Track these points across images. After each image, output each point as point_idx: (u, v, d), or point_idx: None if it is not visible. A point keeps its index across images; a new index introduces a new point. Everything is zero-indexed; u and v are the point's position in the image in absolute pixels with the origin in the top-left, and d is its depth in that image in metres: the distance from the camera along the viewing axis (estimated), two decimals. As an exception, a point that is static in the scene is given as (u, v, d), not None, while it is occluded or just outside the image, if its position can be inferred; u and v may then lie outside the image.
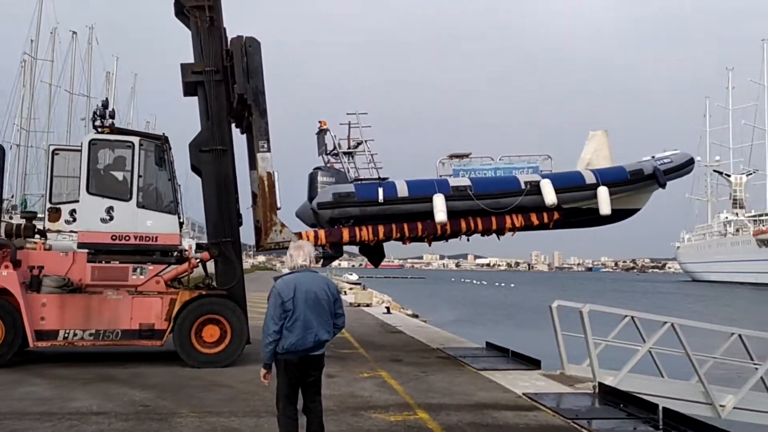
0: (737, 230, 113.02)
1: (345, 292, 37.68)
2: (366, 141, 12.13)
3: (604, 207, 11.77)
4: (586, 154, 12.99)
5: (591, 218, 12.32)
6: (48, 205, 10.90)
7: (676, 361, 10.81)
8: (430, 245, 12.06)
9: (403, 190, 11.39)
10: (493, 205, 11.57)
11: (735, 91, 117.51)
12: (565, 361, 10.34)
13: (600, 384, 8.99)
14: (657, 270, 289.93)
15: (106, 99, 11.33)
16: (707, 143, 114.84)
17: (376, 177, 11.89)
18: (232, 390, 8.67)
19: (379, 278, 70.17)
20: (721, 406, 9.65)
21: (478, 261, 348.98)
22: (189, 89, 11.28)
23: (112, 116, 11.06)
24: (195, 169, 11.04)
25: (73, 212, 10.64)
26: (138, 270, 10.49)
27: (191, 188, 11.80)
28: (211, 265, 10.97)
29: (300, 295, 5.16)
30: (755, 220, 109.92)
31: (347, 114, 12.24)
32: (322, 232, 11.35)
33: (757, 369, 10.15)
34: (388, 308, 24.25)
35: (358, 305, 26.30)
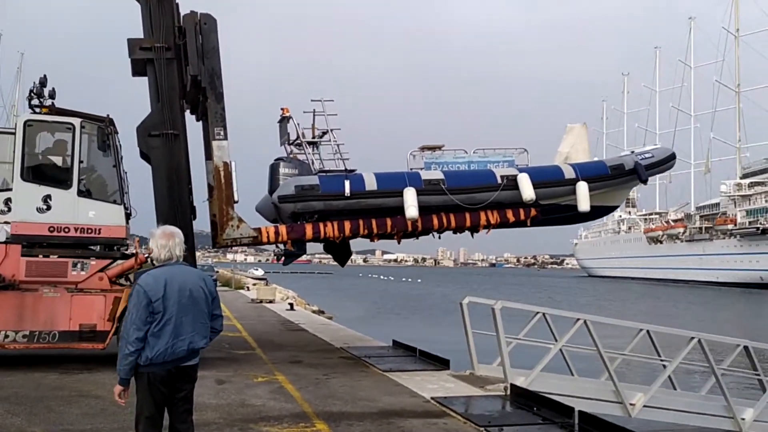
0: (629, 228, 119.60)
1: (248, 287, 36.27)
2: (332, 130, 11.19)
3: (583, 203, 11.13)
4: (563, 148, 12.33)
5: (568, 215, 11.75)
6: None
7: (587, 358, 10.51)
8: (399, 242, 11.31)
9: (371, 184, 10.55)
10: (468, 200, 10.84)
11: (629, 96, 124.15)
12: (475, 361, 9.81)
13: (512, 385, 8.45)
14: (556, 266, 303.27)
15: (44, 76, 10.14)
16: (604, 144, 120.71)
17: (343, 169, 11.02)
18: (100, 402, 7.58)
19: (285, 273, 68.62)
20: (631, 404, 9.36)
21: (386, 257, 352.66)
22: (137, 67, 10.47)
23: (52, 96, 10.08)
24: (144, 155, 10.31)
25: (8, 201, 9.73)
26: (78, 265, 9.63)
27: (143, 177, 10.96)
28: None
29: (171, 294, 4.31)
30: (646, 219, 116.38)
31: (312, 101, 11.40)
32: (283, 228, 10.48)
33: (665, 366, 9.97)
34: (291, 304, 23.22)
35: (260, 301, 25.15)
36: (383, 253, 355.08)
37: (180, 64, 10.17)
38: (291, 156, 11.20)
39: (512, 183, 10.87)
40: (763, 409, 9.83)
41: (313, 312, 25.07)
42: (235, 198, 10.24)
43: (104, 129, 9.94)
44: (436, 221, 10.86)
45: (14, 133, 9.76)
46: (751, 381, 11.14)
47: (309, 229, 10.48)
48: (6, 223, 9.58)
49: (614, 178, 11.77)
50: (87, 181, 9.95)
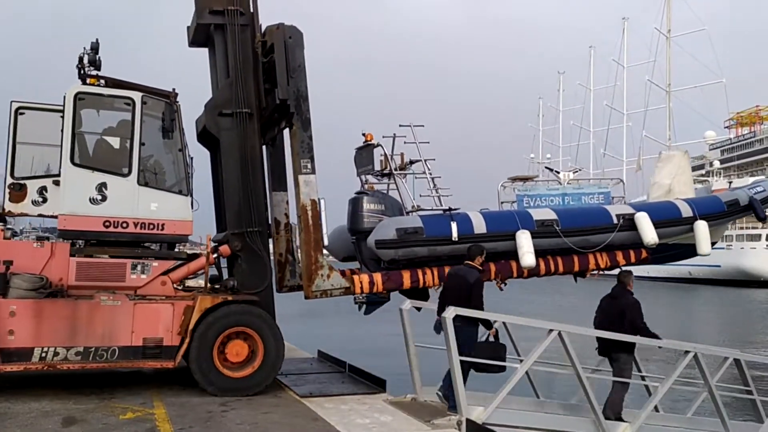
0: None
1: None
2: (425, 160, 9.78)
3: (704, 245, 10.11)
4: (663, 179, 11.29)
5: (672, 254, 10.91)
6: (9, 180, 8.75)
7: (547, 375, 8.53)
8: (501, 290, 9.93)
9: (480, 226, 9.33)
10: (582, 243, 9.74)
11: (565, 94, 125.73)
12: (417, 384, 7.66)
13: (468, 422, 6.29)
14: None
15: (97, 41, 8.57)
16: (540, 141, 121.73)
17: (443, 207, 9.59)
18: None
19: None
20: (614, 438, 7.36)
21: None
22: (199, 36, 9.35)
23: (97, 67, 8.53)
24: (207, 139, 9.26)
25: (43, 190, 8.65)
26: (139, 267, 8.27)
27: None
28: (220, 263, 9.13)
29: None
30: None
31: (400, 126, 9.91)
32: (378, 278, 9.11)
33: (648, 388, 8.07)
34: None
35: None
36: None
37: (253, 34, 8.99)
38: (367, 187, 9.89)
39: (629, 223, 9.91)
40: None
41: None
42: (325, 242, 8.90)
43: (170, 105, 8.52)
44: (543, 266, 9.73)
45: (61, 110, 8.26)
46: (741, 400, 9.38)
47: (407, 278, 9.18)
48: (43, 216, 8.53)
49: (731, 215, 11.08)
50: (148, 167, 8.57)
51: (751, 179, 12.69)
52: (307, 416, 7.15)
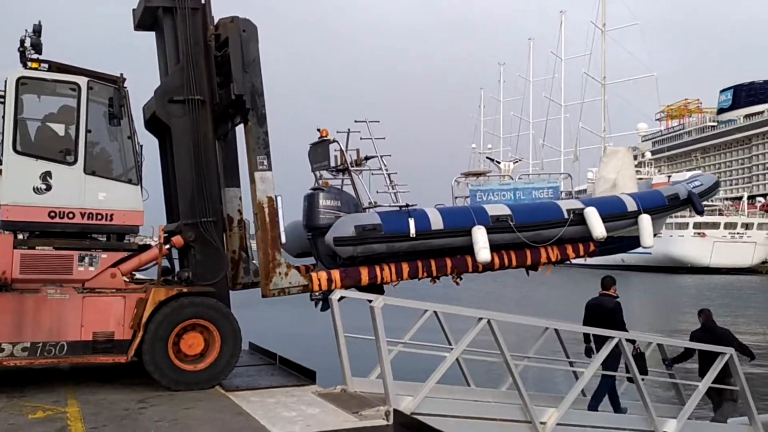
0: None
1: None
2: (381, 156, 9.67)
3: (648, 238, 10.42)
4: (608, 174, 11.65)
5: (613, 247, 11.03)
6: None
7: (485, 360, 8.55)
8: (458, 284, 10.07)
9: (437, 222, 9.41)
10: (535, 237, 9.92)
11: (505, 85, 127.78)
12: (347, 374, 7.52)
13: (395, 412, 6.19)
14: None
15: (39, 23, 8.16)
16: (481, 132, 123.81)
17: (398, 203, 9.50)
18: None
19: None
20: (541, 423, 7.43)
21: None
22: (147, 18, 9.01)
23: (38, 50, 8.18)
24: (156, 126, 8.93)
25: None
26: (86, 259, 7.93)
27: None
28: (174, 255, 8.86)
29: None
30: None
31: (355, 122, 9.85)
32: (336, 274, 9.06)
33: (576, 374, 8.18)
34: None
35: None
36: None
37: (204, 19, 8.71)
38: (322, 183, 9.83)
39: (579, 218, 10.16)
40: (686, 424, 8.28)
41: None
42: (282, 240, 8.68)
43: (118, 90, 8.21)
44: (497, 260, 9.86)
45: (1, 95, 7.96)
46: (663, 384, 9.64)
47: (365, 274, 9.17)
48: None
49: (671, 209, 11.40)
50: (95, 155, 8.26)
51: (689, 173, 13.29)
52: (231, 411, 6.88)
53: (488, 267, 9.74)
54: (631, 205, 10.59)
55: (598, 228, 9.91)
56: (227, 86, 8.55)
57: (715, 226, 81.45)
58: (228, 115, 9.06)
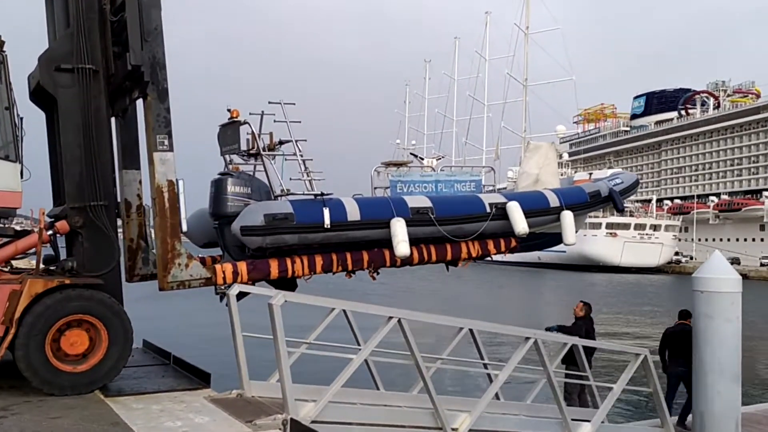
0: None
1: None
2: (296, 141, 8.98)
3: (570, 235, 10.19)
4: (531, 169, 11.34)
5: (535, 243, 10.84)
6: None
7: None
8: (374, 279, 9.59)
9: (354, 212, 8.85)
10: (456, 231, 9.47)
11: (431, 82, 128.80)
12: (245, 378, 6.82)
13: (292, 422, 5.55)
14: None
15: None
16: (406, 128, 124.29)
17: (313, 191, 8.87)
18: None
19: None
20: (453, 429, 6.94)
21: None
22: None
23: None
24: (42, 98, 8.06)
25: None
26: None
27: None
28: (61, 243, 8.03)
29: None
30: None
31: (269, 103, 9.06)
32: (243, 267, 8.38)
33: (491, 377, 7.78)
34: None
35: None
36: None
37: None
38: (232, 167, 9.13)
39: (501, 212, 9.77)
40: (600, 427, 8.04)
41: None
42: (183, 228, 7.91)
43: None
44: (416, 255, 9.36)
45: None
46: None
47: (274, 267, 8.53)
48: None
49: (593, 206, 11.27)
50: None
51: (610, 171, 13.37)
52: (106, 420, 6.02)
53: (407, 262, 9.32)
54: (554, 201, 10.34)
55: (520, 223, 9.60)
56: (124, 57, 7.73)
57: (626, 226, 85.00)
58: (125, 89, 8.22)
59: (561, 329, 10.06)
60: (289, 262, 8.55)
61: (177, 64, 7.89)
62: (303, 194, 8.82)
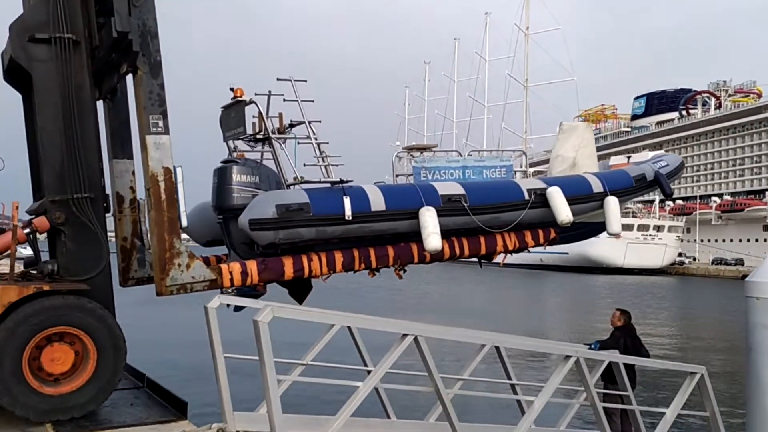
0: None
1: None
2: (310, 122, 8.02)
3: (615, 223, 9.26)
4: (567, 152, 10.44)
5: (574, 234, 9.93)
6: None
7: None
8: (400, 278, 8.62)
9: (378, 202, 7.94)
10: (491, 221, 8.56)
11: (431, 84, 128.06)
12: (227, 408, 5.60)
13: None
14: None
15: None
16: (406, 129, 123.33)
17: (330, 178, 7.99)
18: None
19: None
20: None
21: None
22: None
23: None
24: (17, 76, 7.11)
25: None
26: None
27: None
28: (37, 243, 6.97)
29: None
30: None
31: (278, 80, 8.14)
32: (253, 266, 7.43)
33: (522, 404, 6.53)
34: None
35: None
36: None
37: None
38: (237, 154, 8.23)
39: (541, 199, 8.84)
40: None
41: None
42: (183, 223, 6.94)
43: None
44: (447, 249, 8.38)
45: None
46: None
47: (289, 266, 7.58)
48: None
49: (638, 191, 10.25)
50: None
51: (651, 153, 12.24)
52: (49, 469, 4.82)
53: (437, 257, 8.37)
54: (597, 186, 9.37)
55: (563, 211, 8.63)
56: (108, 25, 6.71)
57: (629, 228, 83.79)
58: (112, 64, 7.19)
59: (601, 345, 8.78)
60: (305, 260, 7.58)
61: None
62: (319, 182, 7.87)
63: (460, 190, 8.41)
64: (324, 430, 5.27)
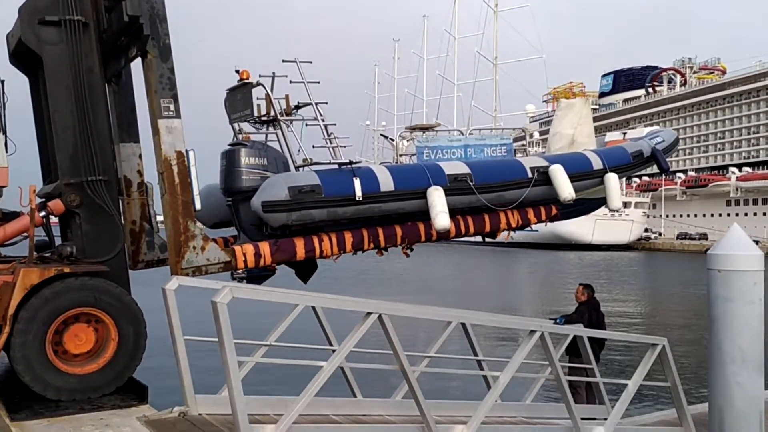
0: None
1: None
2: (317, 104, 8.10)
3: (615, 199, 9.56)
4: (565, 129, 10.54)
5: (572, 210, 10.03)
6: None
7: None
8: (408, 256, 8.87)
9: (387, 182, 8.06)
10: (496, 200, 8.74)
11: (400, 62, 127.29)
12: (188, 392, 5.49)
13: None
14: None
15: None
16: (375, 109, 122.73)
17: (337, 160, 8.02)
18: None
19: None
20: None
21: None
22: None
23: None
24: (25, 59, 7.15)
25: None
26: None
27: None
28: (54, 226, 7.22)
29: None
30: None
31: (283, 62, 8.20)
32: (266, 248, 7.51)
33: (488, 379, 6.54)
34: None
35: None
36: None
37: None
38: (243, 137, 8.25)
39: (544, 177, 9.05)
40: (617, 429, 6.91)
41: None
42: (197, 206, 7.01)
43: None
44: (453, 227, 8.53)
45: None
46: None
47: (301, 247, 7.70)
48: None
49: (636, 167, 10.49)
50: None
51: (647, 129, 12.46)
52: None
53: (444, 235, 8.60)
54: (597, 163, 9.64)
55: (566, 188, 8.86)
56: (117, 9, 6.73)
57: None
58: (120, 48, 7.17)
59: (566, 319, 8.87)
60: (316, 240, 7.74)
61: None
62: (329, 163, 7.97)
63: (466, 170, 8.58)
64: (289, 411, 5.19)
